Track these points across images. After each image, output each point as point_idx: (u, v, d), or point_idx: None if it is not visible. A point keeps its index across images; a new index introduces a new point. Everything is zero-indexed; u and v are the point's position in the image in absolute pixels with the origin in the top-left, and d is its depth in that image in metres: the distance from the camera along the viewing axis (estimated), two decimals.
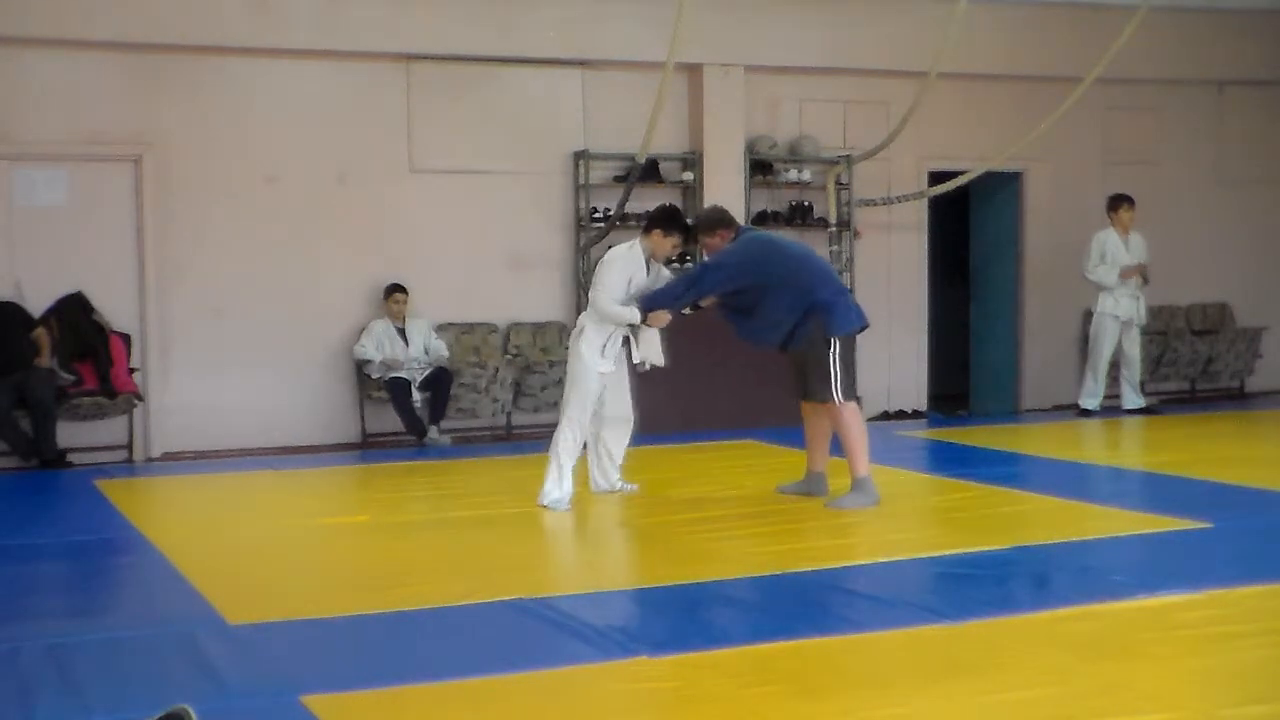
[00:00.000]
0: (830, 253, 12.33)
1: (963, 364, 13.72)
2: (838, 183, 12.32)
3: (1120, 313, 12.20)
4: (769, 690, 4.59)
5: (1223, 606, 5.51)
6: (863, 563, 6.53)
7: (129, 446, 10.57)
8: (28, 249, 10.40)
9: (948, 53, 10.49)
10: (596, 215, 11.62)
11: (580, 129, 11.71)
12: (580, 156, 11.64)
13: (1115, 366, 12.35)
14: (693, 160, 11.89)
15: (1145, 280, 12.35)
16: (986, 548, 6.71)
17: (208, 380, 10.77)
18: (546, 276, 11.76)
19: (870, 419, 12.39)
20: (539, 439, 10.44)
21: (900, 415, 12.68)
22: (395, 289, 11.01)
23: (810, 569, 6.34)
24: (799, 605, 5.74)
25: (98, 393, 10.28)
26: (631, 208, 11.40)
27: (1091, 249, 12.21)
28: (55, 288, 10.40)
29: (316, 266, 11.07)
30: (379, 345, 10.92)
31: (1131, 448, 11.08)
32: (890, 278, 12.75)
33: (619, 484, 8.26)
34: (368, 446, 11.06)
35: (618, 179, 11.65)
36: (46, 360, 10.15)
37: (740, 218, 11.52)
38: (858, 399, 8.27)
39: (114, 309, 10.58)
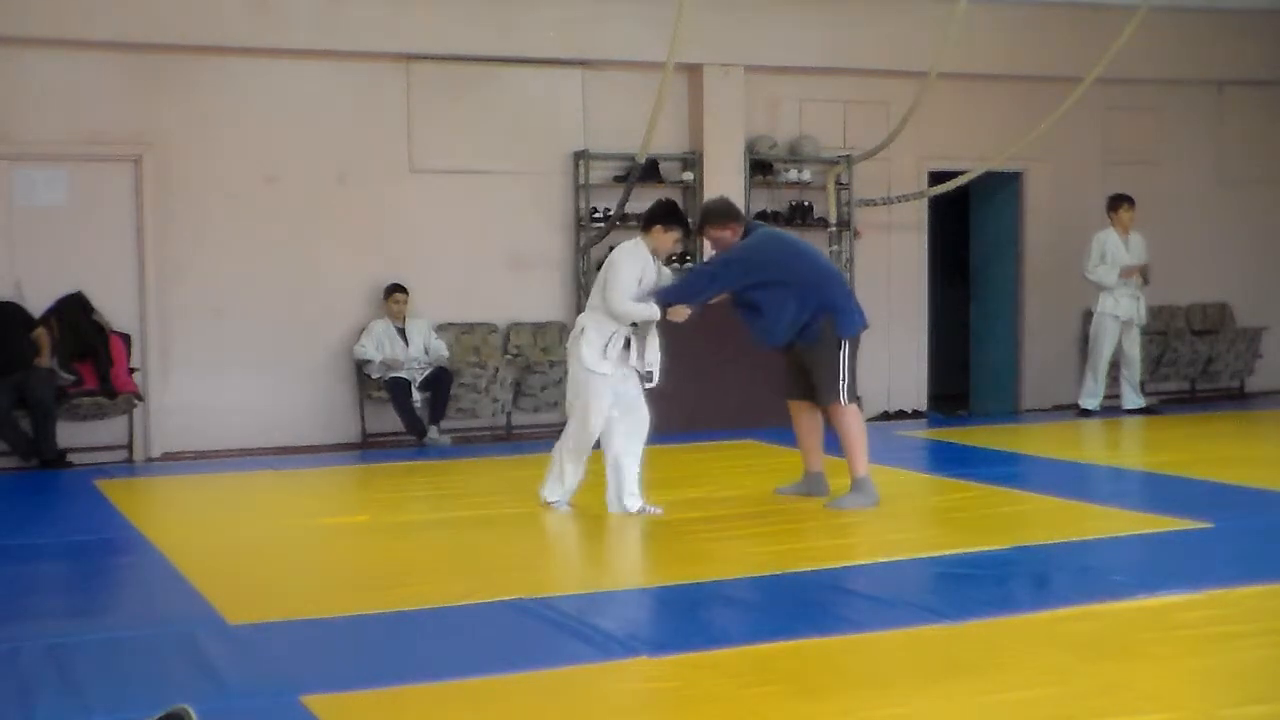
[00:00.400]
0: (830, 253, 12.32)
1: (963, 364, 13.72)
2: (838, 183, 12.32)
3: (1120, 313, 12.20)
4: (769, 690, 4.59)
5: (1223, 606, 5.51)
6: (863, 563, 6.52)
7: (129, 446, 10.57)
8: (28, 249, 10.40)
9: (948, 53, 10.49)
10: (596, 215, 11.62)
11: (580, 129, 11.71)
12: (580, 156, 11.64)
13: (1115, 366, 12.36)
14: (693, 160, 11.90)
15: (1146, 281, 12.35)
16: (986, 548, 6.71)
17: (208, 380, 10.77)
18: (546, 276, 11.76)
19: (870, 419, 12.38)
20: (539, 439, 10.47)
21: (900, 415, 12.68)
22: (395, 289, 11.01)
23: (810, 569, 6.33)
24: (799, 605, 5.73)
25: (98, 393, 10.28)
26: (631, 208, 11.38)
27: (1091, 249, 12.21)
28: (55, 288, 10.40)
29: (316, 266, 11.07)
30: (379, 345, 10.92)
31: (1131, 448, 11.09)
32: (890, 278, 12.75)
33: (642, 507, 7.68)
34: (368, 446, 11.06)
35: (618, 179, 11.65)
36: (46, 360, 10.15)
37: None
38: (858, 399, 8.26)
39: (114, 309, 10.58)
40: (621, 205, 11.07)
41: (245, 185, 10.91)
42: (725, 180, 11.77)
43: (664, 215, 7.76)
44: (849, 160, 12.21)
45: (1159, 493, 8.45)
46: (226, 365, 10.80)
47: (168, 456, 10.67)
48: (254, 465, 10.25)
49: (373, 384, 10.98)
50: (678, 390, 10.96)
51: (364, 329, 11.03)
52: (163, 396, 10.71)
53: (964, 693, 4.52)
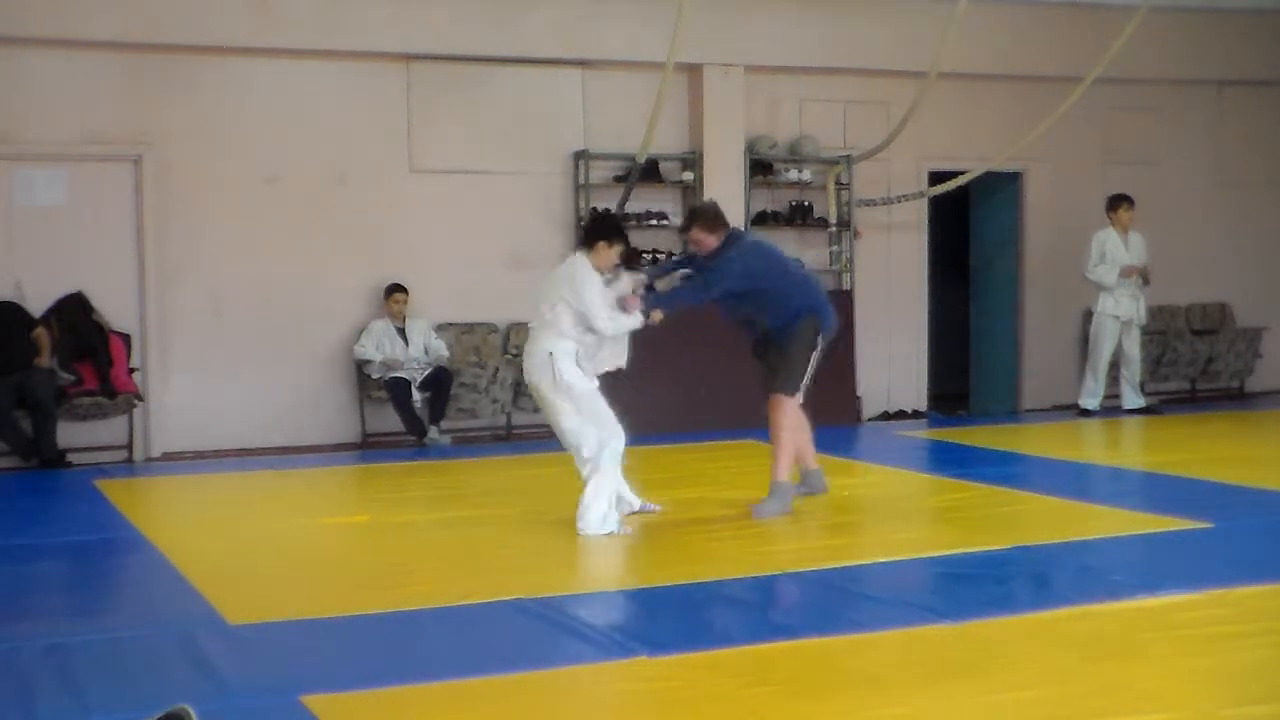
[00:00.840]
0: (830, 253, 12.34)
1: (963, 364, 13.72)
2: (838, 183, 12.32)
3: (1120, 313, 12.21)
4: (769, 690, 4.59)
5: (1223, 606, 5.52)
6: (863, 563, 6.53)
7: (129, 446, 10.56)
8: (28, 249, 10.40)
9: (948, 53, 10.49)
10: None
11: (580, 129, 11.71)
12: (580, 156, 11.64)
13: (1115, 366, 12.36)
14: (693, 160, 11.89)
15: (1146, 281, 12.35)
16: (986, 548, 6.71)
17: (208, 380, 10.77)
18: None
19: (870, 419, 12.42)
20: (539, 439, 10.46)
21: (900, 415, 12.67)
22: (395, 289, 11.01)
23: (810, 569, 6.34)
24: (799, 605, 5.74)
25: (98, 393, 10.28)
26: (631, 208, 11.41)
27: (1091, 249, 12.22)
28: (55, 288, 10.40)
29: (316, 266, 11.06)
30: (379, 345, 10.92)
31: (1131, 448, 11.09)
32: (890, 278, 12.75)
33: (642, 504, 7.74)
34: (368, 446, 11.06)
35: (618, 179, 11.65)
36: (46, 360, 10.15)
37: (740, 218, 11.57)
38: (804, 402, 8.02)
39: (114, 309, 10.58)
40: (621, 205, 11.07)
41: (245, 185, 10.90)
42: (725, 180, 11.77)
43: (608, 231, 7.59)
44: (849, 160, 12.21)
45: (1159, 493, 8.45)
46: (226, 365, 10.80)
47: (168, 456, 10.66)
48: (254, 465, 10.25)
49: (373, 384, 10.98)
50: (676, 390, 11.01)
51: (364, 329, 11.03)
52: (162, 396, 10.71)
53: (964, 693, 4.52)
